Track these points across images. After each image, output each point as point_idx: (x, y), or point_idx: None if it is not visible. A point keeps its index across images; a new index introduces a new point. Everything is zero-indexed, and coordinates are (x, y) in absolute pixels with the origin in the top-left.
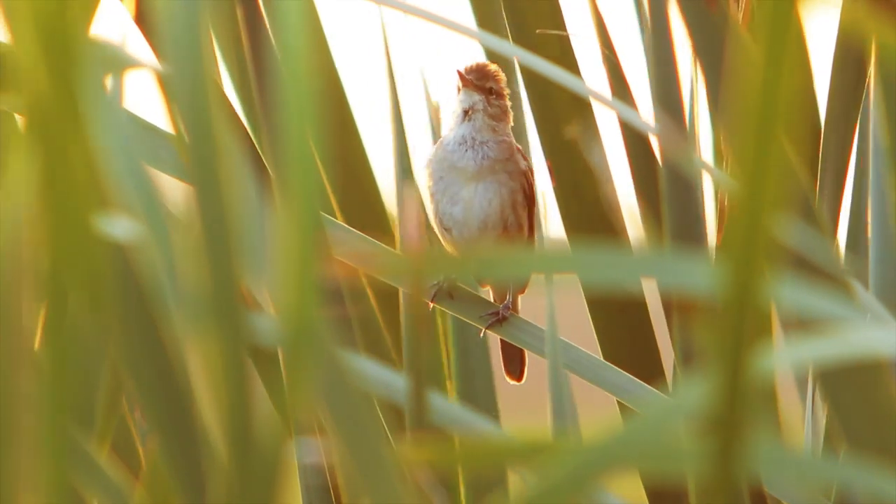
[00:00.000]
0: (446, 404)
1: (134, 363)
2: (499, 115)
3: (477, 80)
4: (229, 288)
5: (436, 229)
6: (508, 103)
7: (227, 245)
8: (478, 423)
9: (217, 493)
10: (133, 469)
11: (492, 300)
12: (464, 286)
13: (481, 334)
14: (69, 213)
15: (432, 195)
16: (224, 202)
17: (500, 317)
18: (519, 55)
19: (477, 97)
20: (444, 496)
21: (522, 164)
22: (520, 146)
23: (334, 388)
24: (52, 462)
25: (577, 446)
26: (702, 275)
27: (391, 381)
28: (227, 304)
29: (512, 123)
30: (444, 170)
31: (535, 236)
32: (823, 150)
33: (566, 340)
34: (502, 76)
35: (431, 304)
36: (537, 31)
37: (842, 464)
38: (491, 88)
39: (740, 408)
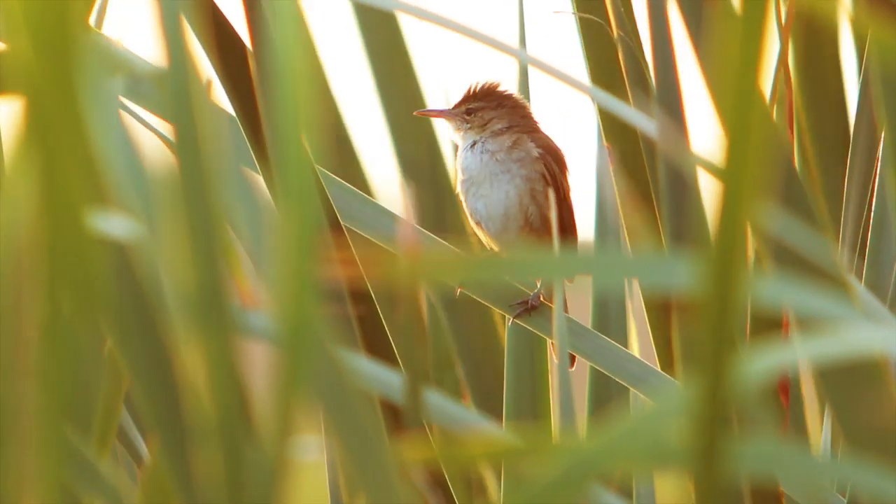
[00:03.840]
0: (444, 403)
1: (133, 363)
2: (486, 119)
3: (451, 111)
4: (217, 285)
5: (472, 225)
6: (508, 108)
7: (214, 242)
8: (476, 421)
9: (217, 493)
10: (133, 470)
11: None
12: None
13: (509, 323)
14: (68, 213)
15: (462, 193)
16: (211, 198)
17: (530, 306)
18: (522, 55)
19: (453, 123)
20: (440, 495)
21: (535, 151)
22: (546, 140)
23: (332, 387)
24: (50, 464)
25: (573, 446)
26: (695, 274)
27: (390, 380)
28: (215, 302)
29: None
30: (463, 170)
31: (572, 233)
32: (851, 157)
33: (592, 330)
34: (489, 89)
35: (458, 291)
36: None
37: (843, 463)
38: (468, 109)
39: (722, 406)
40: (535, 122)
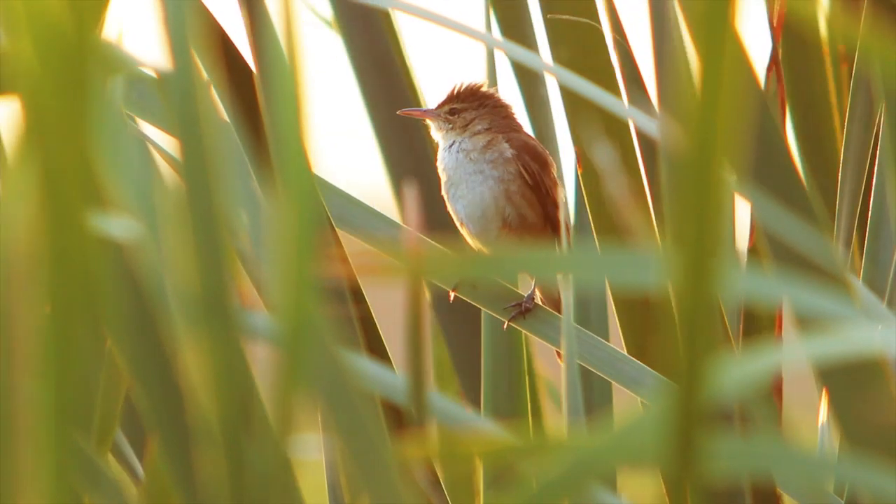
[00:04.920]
0: (446, 403)
1: (134, 363)
2: (466, 120)
3: (433, 111)
4: (220, 285)
5: (457, 225)
6: (490, 109)
7: (218, 242)
8: (477, 421)
9: (217, 492)
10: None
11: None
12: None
13: (504, 327)
14: (68, 214)
15: (444, 194)
16: (215, 200)
17: (524, 309)
18: (513, 52)
19: (434, 123)
20: (442, 494)
21: (508, 152)
22: (525, 139)
23: (333, 387)
24: (51, 463)
25: (571, 445)
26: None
27: (391, 380)
28: (218, 302)
29: (502, 116)
30: (443, 171)
31: (559, 232)
32: (844, 156)
33: (591, 334)
34: (472, 91)
35: (453, 295)
36: (548, 15)
37: (844, 462)
38: (451, 109)
39: (696, 406)
40: (516, 123)
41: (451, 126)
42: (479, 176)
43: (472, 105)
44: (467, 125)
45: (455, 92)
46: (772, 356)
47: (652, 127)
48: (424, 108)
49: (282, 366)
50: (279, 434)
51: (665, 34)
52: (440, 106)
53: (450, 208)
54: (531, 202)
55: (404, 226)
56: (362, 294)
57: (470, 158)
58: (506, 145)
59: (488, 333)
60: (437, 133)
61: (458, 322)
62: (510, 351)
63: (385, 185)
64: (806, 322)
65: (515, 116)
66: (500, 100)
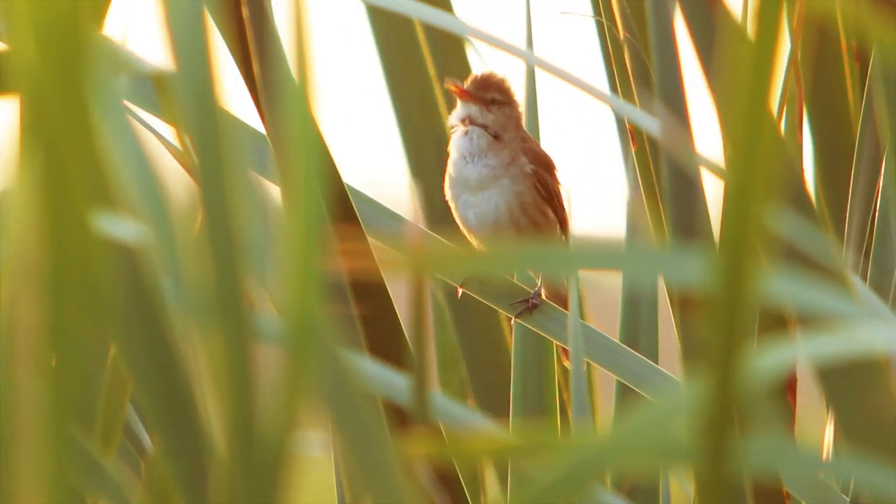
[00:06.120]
0: (449, 402)
1: (136, 362)
2: (501, 123)
3: (476, 91)
4: (233, 285)
5: (461, 229)
6: (516, 112)
7: (232, 242)
8: (478, 420)
9: (219, 492)
10: (135, 468)
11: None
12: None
13: (511, 323)
14: (71, 213)
15: (452, 202)
16: (229, 199)
17: (530, 305)
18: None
19: (473, 107)
20: (445, 494)
21: (528, 167)
22: (534, 147)
23: (337, 387)
24: (53, 462)
25: (577, 443)
26: (699, 270)
27: (394, 380)
28: (231, 302)
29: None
30: (453, 181)
31: (564, 230)
32: (857, 156)
33: (597, 330)
34: (507, 85)
35: (461, 291)
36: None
37: (846, 462)
38: (493, 99)
39: (731, 403)
40: (523, 129)
41: (486, 124)
42: (498, 189)
43: (506, 100)
44: (503, 128)
45: (493, 80)
46: (787, 353)
47: (654, 127)
48: (467, 87)
49: (286, 365)
50: (282, 433)
51: (665, 34)
52: (479, 89)
53: (455, 213)
54: (543, 210)
55: (408, 223)
56: (386, 290)
57: (495, 175)
58: (524, 160)
59: (518, 329)
60: (461, 114)
61: (469, 315)
62: (539, 346)
63: (388, 180)
64: (808, 321)
65: (520, 117)
66: (517, 102)
